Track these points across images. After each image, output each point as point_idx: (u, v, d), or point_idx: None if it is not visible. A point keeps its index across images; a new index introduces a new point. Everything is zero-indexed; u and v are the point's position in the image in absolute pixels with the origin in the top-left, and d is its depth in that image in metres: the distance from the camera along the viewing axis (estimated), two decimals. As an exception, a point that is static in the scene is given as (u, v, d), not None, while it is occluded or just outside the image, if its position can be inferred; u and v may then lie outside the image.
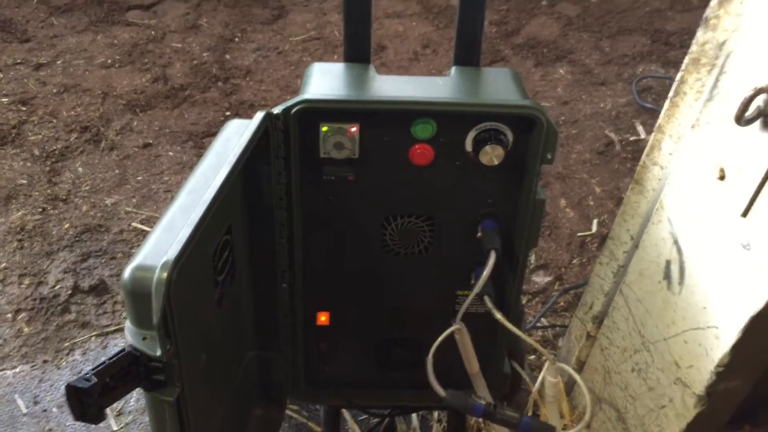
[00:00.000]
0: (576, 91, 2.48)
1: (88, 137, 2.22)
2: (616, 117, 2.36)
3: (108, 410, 1.46)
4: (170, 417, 0.77)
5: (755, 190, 0.81)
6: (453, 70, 1.11)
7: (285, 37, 2.77)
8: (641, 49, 2.73)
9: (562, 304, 1.72)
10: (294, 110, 0.97)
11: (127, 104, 2.38)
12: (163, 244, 0.73)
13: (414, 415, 1.45)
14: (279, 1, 3.00)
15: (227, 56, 2.65)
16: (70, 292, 1.71)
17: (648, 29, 2.84)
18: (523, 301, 1.74)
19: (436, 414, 1.47)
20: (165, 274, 0.69)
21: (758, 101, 0.76)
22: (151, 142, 2.22)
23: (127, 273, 0.72)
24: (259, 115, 0.93)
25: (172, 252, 0.70)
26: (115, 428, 1.42)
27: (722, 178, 0.86)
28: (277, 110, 0.97)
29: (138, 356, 0.72)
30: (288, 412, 1.45)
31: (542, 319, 1.68)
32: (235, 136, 0.92)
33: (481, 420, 1.47)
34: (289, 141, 0.99)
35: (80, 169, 2.09)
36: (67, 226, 1.89)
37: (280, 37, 2.77)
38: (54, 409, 1.45)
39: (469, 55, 1.10)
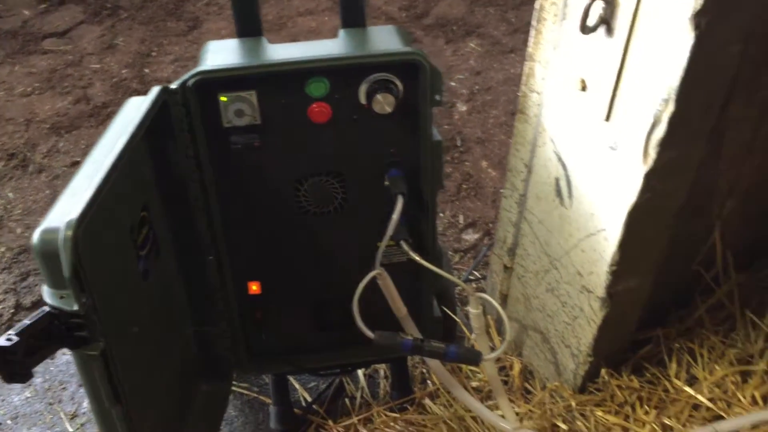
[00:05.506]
0: (487, 62, 2.57)
1: (15, 163, 2.23)
2: (528, 80, 2.46)
3: (62, 414, 1.48)
4: (98, 372, 0.80)
5: (611, 94, 0.90)
6: (341, 32, 1.17)
7: (201, 46, 2.81)
8: (546, 15, 2.84)
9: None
10: (191, 82, 1.01)
11: (51, 127, 2.38)
12: (67, 207, 0.78)
13: (361, 376, 1.50)
14: (192, 13, 3.04)
15: (146, 70, 2.68)
16: (12, 310, 1.72)
17: (551, -4, 2.96)
18: (456, 259, 1.81)
19: (382, 371, 1.52)
20: (70, 232, 0.73)
21: (598, 9, 0.84)
22: (79, 160, 2.23)
23: (35, 236, 0.77)
24: (155, 90, 0.98)
25: (75, 212, 0.75)
26: (70, 430, 1.44)
27: (584, 89, 0.94)
28: (174, 85, 1.02)
29: (57, 314, 0.76)
30: (238, 389, 1.49)
31: (474, 273, 1.75)
32: (133, 110, 0.96)
33: (425, 371, 1.53)
34: (190, 114, 1.04)
35: (11, 194, 2.10)
36: (3, 249, 1.90)
37: (197, 46, 2.81)
38: (8, 422, 1.47)
39: (354, 16, 1.16)
